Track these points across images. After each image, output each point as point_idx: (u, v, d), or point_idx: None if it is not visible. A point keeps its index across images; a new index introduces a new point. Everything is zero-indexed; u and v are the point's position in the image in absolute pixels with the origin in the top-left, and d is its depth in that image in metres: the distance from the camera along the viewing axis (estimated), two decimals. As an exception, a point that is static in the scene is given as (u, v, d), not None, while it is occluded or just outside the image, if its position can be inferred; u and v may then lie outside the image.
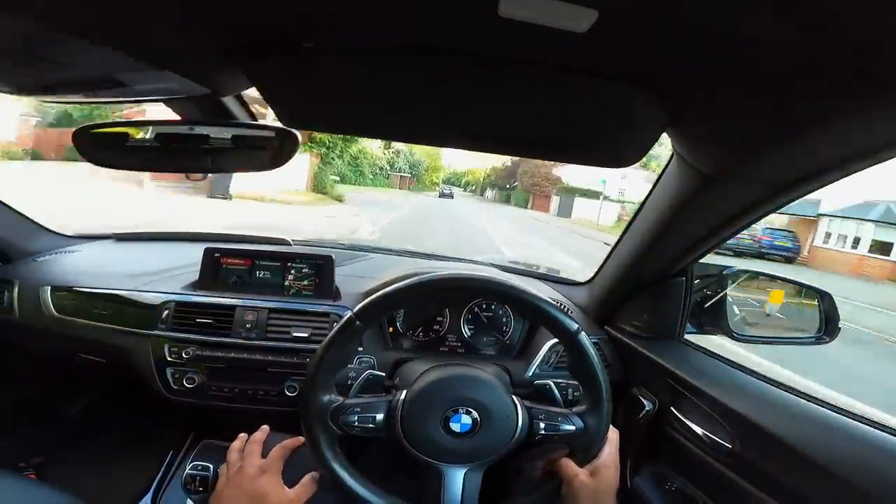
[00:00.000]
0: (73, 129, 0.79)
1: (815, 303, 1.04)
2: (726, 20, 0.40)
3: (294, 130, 0.85)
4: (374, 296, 0.78)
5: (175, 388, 1.14)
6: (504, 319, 1.26)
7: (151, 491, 1.25)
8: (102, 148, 0.83)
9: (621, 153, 0.70)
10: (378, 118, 0.73)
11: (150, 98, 0.77)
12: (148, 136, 0.86)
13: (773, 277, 1.12)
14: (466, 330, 1.24)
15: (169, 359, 1.13)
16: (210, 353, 1.13)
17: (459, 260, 1.63)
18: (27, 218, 1.41)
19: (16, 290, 1.23)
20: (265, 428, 0.88)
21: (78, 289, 1.21)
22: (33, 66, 0.59)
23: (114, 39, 0.52)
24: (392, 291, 0.77)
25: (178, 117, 0.86)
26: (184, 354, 1.13)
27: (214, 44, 0.58)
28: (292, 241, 1.51)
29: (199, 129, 0.86)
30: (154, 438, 1.44)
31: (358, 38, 0.54)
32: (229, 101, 0.86)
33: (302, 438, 0.81)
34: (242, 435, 0.87)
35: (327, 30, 0.52)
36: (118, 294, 1.19)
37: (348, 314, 0.76)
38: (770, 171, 0.68)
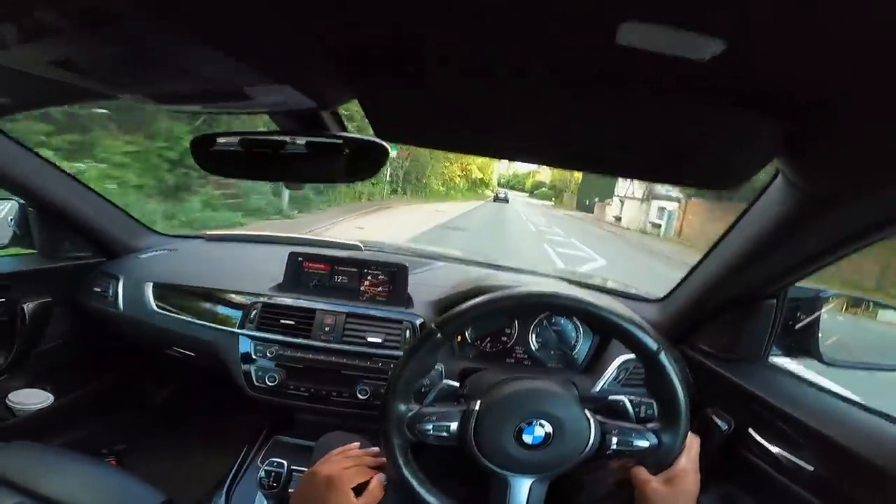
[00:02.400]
0: (193, 137, 0.87)
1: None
2: (857, 48, 0.39)
3: (386, 143, 0.89)
4: (457, 309, 0.79)
5: (257, 384, 1.20)
6: (573, 334, 1.24)
7: (227, 484, 1.32)
8: (207, 155, 0.90)
9: (726, 177, 0.67)
10: (473, 135, 0.75)
11: (261, 110, 0.83)
12: (261, 148, 0.92)
13: (872, 302, 1.05)
14: (534, 343, 1.24)
15: (254, 356, 1.20)
16: (291, 353, 1.19)
17: (526, 272, 1.63)
18: (131, 217, 1.54)
19: (120, 284, 1.35)
20: (374, 450, 0.86)
21: (176, 285, 1.31)
22: (164, 75, 0.64)
23: (242, 52, 0.56)
24: (476, 305, 0.79)
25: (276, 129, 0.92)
26: (268, 353, 1.19)
27: (329, 59, 0.62)
28: (363, 246, 1.57)
29: (300, 141, 0.91)
30: (230, 432, 1.51)
31: (467, 61, 0.56)
32: (325, 115, 0.92)
33: (383, 459, 0.83)
34: (352, 445, 0.87)
35: (438, 50, 0.54)
36: (212, 292, 1.28)
37: (431, 326, 0.78)
38: (885, 199, 0.65)
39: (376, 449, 0.85)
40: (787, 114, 0.53)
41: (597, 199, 38.40)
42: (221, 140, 0.90)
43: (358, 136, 0.92)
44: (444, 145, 0.87)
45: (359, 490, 0.77)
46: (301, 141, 0.91)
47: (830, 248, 0.80)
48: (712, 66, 0.44)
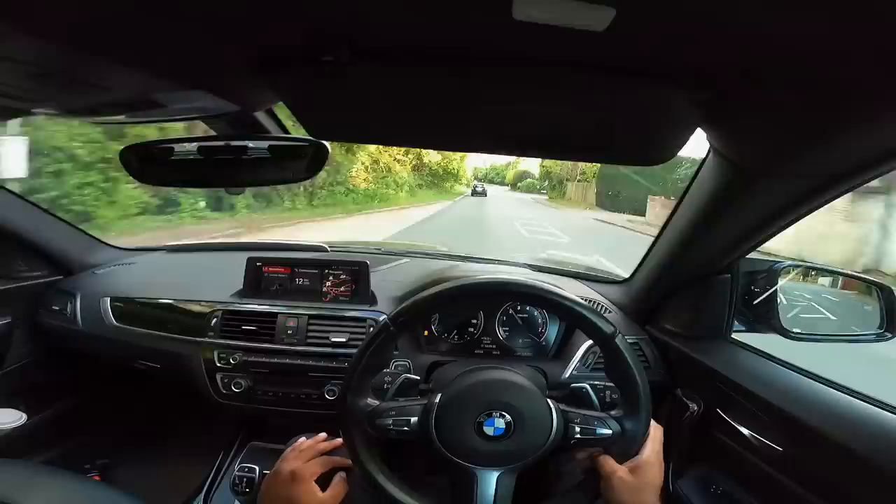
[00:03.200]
0: (121, 148, 0.84)
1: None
2: (748, 9, 0.38)
3: (322, 142, 0.87)
4: (407, 302, 0.79)
5: (224, 392, 1.19)
6: (540, 321, 1.24)
7: (203, 491, 1.31)
8: (147, 165, 0.87)
9: (654, 151, 0.67)
10: (402, 126, 0.74)
11: (186, 117, 0.80)
12: (187, 151, 0.90)
13: (826, 272, 1.05)
14: (501, 332, 1.23)
15: (218, 364, 1.18)
16: (255, 359, 1.18)
17: (493, 261, 1.62)
18: (85, 233, 1.51)
19: (78, 301, 1.32)
20: (321, 436, 0.88)
21: (135, 299, 1.29)
22: (74, 89, 0.62)
23: (145, 61, 0.55)
24: (424, 297, 0.78)
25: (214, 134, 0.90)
26: (231, 360, 1.18)
27: (240, 61, 0.60)
28: (329, 247, 1.55)
29: (234, 145, 0.89)
30: (206, 441, 1.51)
31: (378, 49, 0.54)
32: (261, 116, 0.89)
33: (338, 441, 0.84)
34: (302, 439, 0.88)
35: (346, 41, 0.53)
36: (171, 303, 1.26)
37: (384, 321, 0.78)
38: (818, 164, 0.64)
39: (323, 435, 0.88)
40: (699, 83, 0.52)
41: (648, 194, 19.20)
42: (154, 148, 0.88)
43: (295, 136, 0.90)
44: (377, 139, 0.85)
45: (325, 484, 0.79)
46: (237, 145, 0.88)
47: (769, 219, 0.79)
48: (612, 37, 0.43)
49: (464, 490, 0.77)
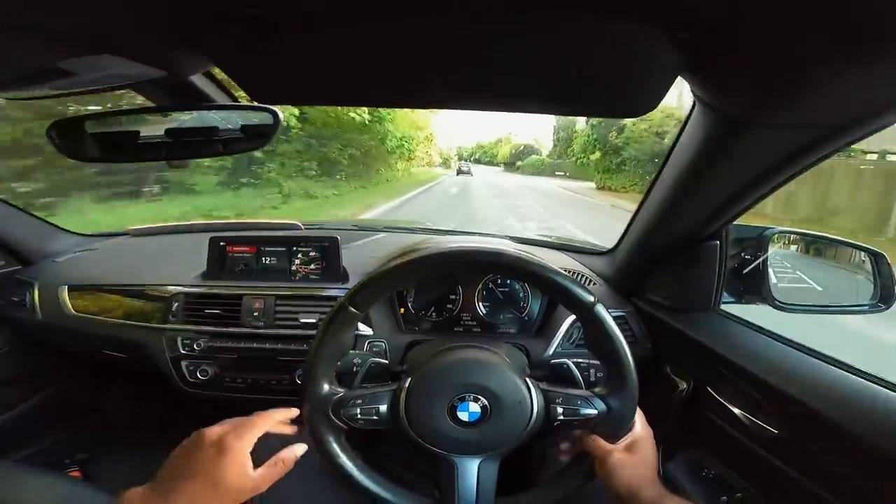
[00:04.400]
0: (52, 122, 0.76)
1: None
2: None
3: (269, 107, 0.79)
4: (365, 277, 0.72)
5: (191, 380, 1.14)
6: (521, 295, 1.18)
7: None
8: (78, 140, 0.80)
9: (632, 101, 0.60)
10: (351, 83, 0.66)
11: (111, 87, 0.72)
12: (132, 127, 0.82)
13: (819, 238, 0.98)
14: (482, 308, 1.18)
15: (183, 351, 1.13)
16: (221, 344, 1.13)
17: (473, 234, 1.56)
18: (45, 221, 1.45)
19: (36, 291, 1.26)
20: (291, 411, 0.75)
21: (92, 286, 1.23)
22: None
23: (41, 23, 0.47)
24: (383, 272, 0.71)
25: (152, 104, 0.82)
26: (195, 346, 1.13)
27: (158, 20, 0.52)
28: (302, 224, 1.48)
29: (176, 116, 0.82)
30: (184, 431, 1.47)
31: None
32: (201, 82, 0.81)
33: (294, 411, 0.76)
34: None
35: None
36: (130, 289, 1.20)
37: (340, 301, 0.71)
38: (812, 113, 0.57)
39: (295, 411, 0.76)
40: (679, 20, 0.46)
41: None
42: (87, 122, 0.80)
43: (242, 104, 0.83)
44: (324, 101, 0.78)
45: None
46: (176, 115, 0.81)
47: (760, 177, 0.72)
48: None
49: (444, 480, 0.72)
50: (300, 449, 0.69)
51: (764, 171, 0.71)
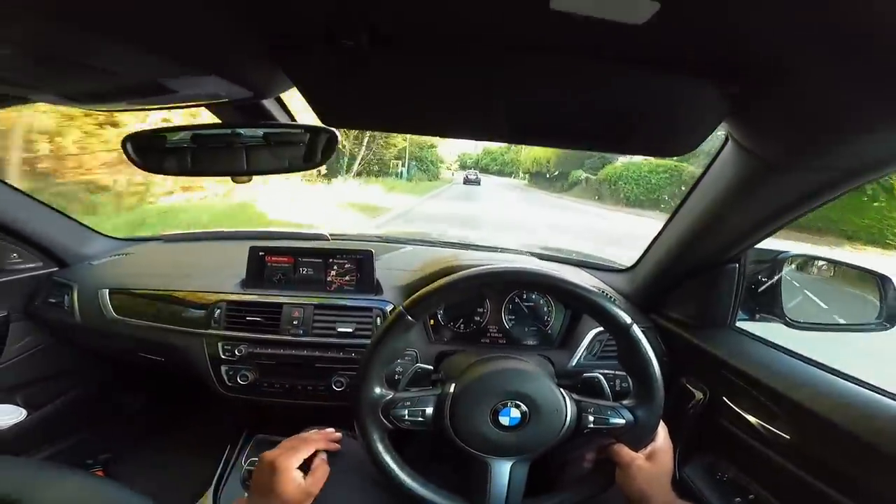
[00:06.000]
0: (125, 136, 0.82)
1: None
2: (792, 8, 0.37)
3: (334, 129, 0.85)
4: (424, 290, 0.78)
5: (229, 384, 1.17)
6: (546, 309, 1.24)
7: (213, 486, 1.30)
8: (147, 154, 0.85)
9: (677, 143, 0.67)
10: (420, 114, 0.72)
11: (194, 103, 0.78)
12: (185, 139, 0.87)
13: (831, 262, 1.06)
14: (507, 321, 1.24)
15: (223, 357, 1.17)
16: (261, 350, 1.16)
17: (496, 249, 1.62)
18: (80, 223, 1.47)
19: (75, 293, 1.29)
20: (327, 431, 0.85)
21: (134, 290, 1.26)
22: (78, 74, 0.60)
23: (157, 44, 0.53)
24: (442, 286, 0.77)
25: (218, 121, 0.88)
26: (236, 352, 1.16)
27: (256, 45, 0.58)
28: (329, 235, 1.53)
29: (242, 133, 0.87)
30: (212, 434, 1.49)
31: (403, 34, 0.53)
32: (268, 103, 0.87)
33: (334, 444, 0.83)
34: (313, 431, 0.86)
35: (369, 27, 0.51)
36: (173, 295, 1.23)
37: (399, 309, 0.77)
38: (838, 159, 0.65)
39: (331, 430, 0.85)
40: (730, 76, 0.52)
41: None
42: (158, 136, 0.86)
43: (305, 123, 0.88)
44: (391, 127, 0.84)
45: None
46: (247, 133, 0.87)
47: (783, 210, 0.80)
48: (650, 30, 0.43)
49: (478, 480, 0.77)
50: (324, 453, 0.81)
51: (786, 206, 0.79)
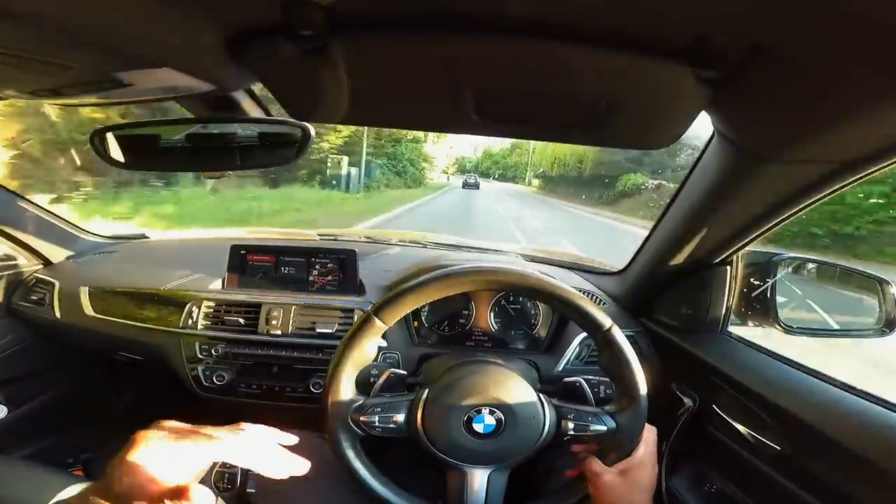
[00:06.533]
0: (91, 132, 0.80)
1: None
2: None
3: (306, 124, 0.83)
4: (392, 292, 0.75)
5: (206, 384, 1.16)
6: (533, 312, 1.21)
7: None
8: (111, 148, 0.83)
9: (655, 135, 0.64)
10: (387, 106, 0.70)
11: (157, 98, 0.76)
12: (149, 133, 0.86)
13: (827, 265, 1.02)
14: (493, 323, 1.20)
15: (200, 356, 1.15)
16: (239, 351, 1.15)
17: (485, 250, 1.59)
18: (66, 221, 1.47)
19: (56, 290, 1.28)
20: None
21: (112, 289, 1.25)
22: (35, 70, 0.58)
23: (109, 38, 0.51)
24: (411, 287, 0.75)
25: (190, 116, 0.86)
26: (213, 352, 1.14)
27: (213, 38, 0.56)
28: (318, 235, 1.51)
29: (213, 128, 0.85)
30: None
31: (363, 19, 0.50)
32: (240, 97, 0.85)
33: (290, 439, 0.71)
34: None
35: (329, 12, 0.49)
36: (151, 293, 1.22)
37: (366, 313, 0.74)
38: (829, 150, 0.61)
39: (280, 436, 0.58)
40: (708, 59, 0.49)
41: None
42: (126, 132, 0.84)
43: (275, 118, 0.86)
44: (361, 121, 0.81)
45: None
46: (214, 128, 0.85)
47: (775, 208, 0.76)
48: (621, 11, 0.41)
49: (454, 489, 0.75)
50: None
51: (778, 203, 0.75)
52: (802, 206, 0.73)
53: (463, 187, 33.47)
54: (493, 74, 0.57)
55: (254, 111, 0.89)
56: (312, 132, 0.85)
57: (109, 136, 0.82)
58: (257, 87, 0.84)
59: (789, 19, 0.40)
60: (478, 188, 34.22)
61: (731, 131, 0.67)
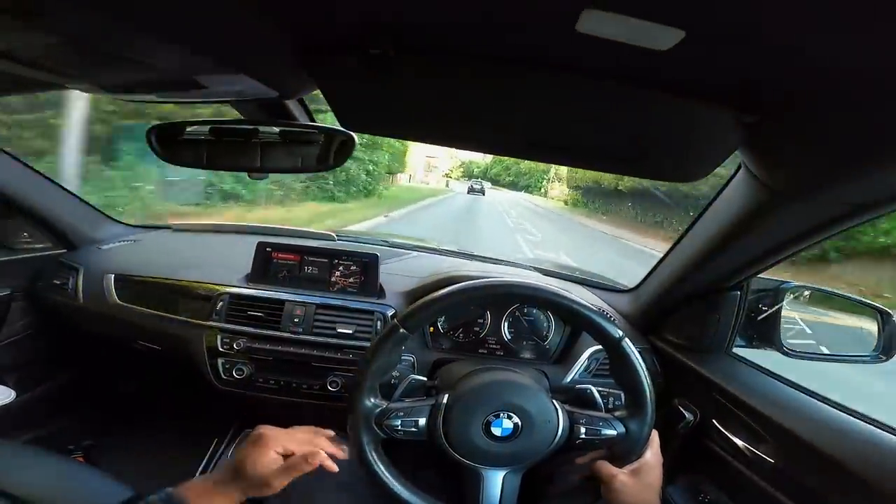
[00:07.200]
0: (150, 126, 0.83)
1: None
2: (813, 42, 0.39)
3: (351, 133, 0.87)
4: (418, 302, 0.79)
5: (225, 378, 1.18)
6: (545, 325, 1.25)
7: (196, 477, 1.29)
8: (168, 145, 0.86)
9: (689, 169, 0.69)
10: (437, 124, 0.74)
11: (220, 100, 0.80)
12: (203, 132, 0.89)
13: (832, 294, 1.08)
14: (507, 333, 1.25)
15: (221, 349, 1.17)
16: (259, 346, 1.17)
17: (500, 262, 1.63)
18: (92, 207, 1.48)
19: (80, 276, 1.30)
20: (327, 432, 0.77)
21: (139, 277, 1.27)
22: (117, 66, 0.61)
23: (193, 41, 0.54)
24: (437, 298, 0.79)
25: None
26: (235, 346, 1.17)
27: (287, 47, 0.60)
28: (336, 235, 1.55)
29: (261, 129, 0.88)
30: (200, 427, 1.49)
31: (430, 45, 0.54)
32: (290, 103, 0.89)
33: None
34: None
35: (399, 36, 0.53)
36: (177, 284, 1.24)
37: (393, 322, 0.78)
38: (851, 192, 0.66)
39: (331, 433, 0.77)
40: (749, 106, 0.53)
41: None
42: (183, 129, 0.87)
43: (323, 125, 0.90)
44: (409, 135, 0.86)
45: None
46: (266, 130, 0.88)
47: (791, 241, 0.81)
48: (673, 57, 0.44)
49: (470, 490, 0.78)
50: (321, 458, 0.70)
51: (794, 237, 0.80)
52: (818, 239, 0.79)
53: (468, 193, 31.55)
54: (544, 106, 0.61)
55: (300, 116, 0.93)
56: (357, 141, 0.89)
57: (163, 133, 0.86)
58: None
59: (827, 70, 0.44)
60: (483, 194, 32.18)
61: (758, 169, 0.72)
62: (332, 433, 0.78)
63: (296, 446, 0.69)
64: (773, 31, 0.39)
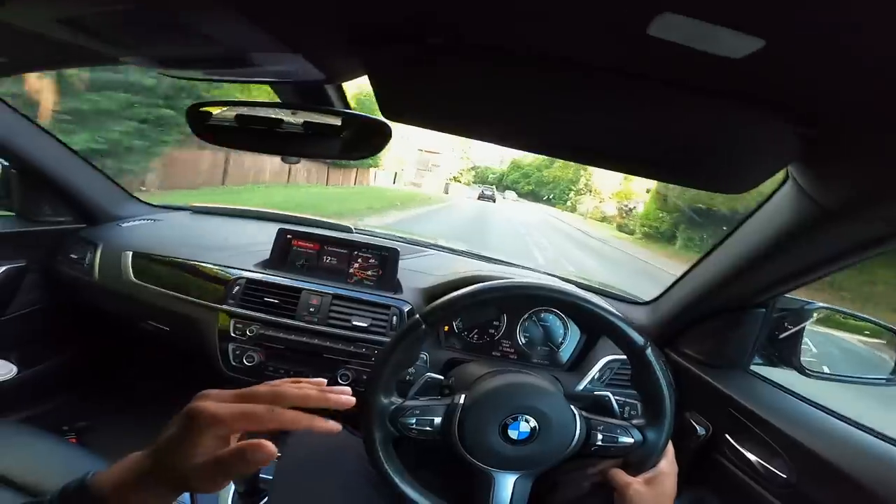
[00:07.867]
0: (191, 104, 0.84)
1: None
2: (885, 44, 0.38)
3: (388, 122, 0.87)
4: (441, 300, 0.78)
5: (234, 364, 1.16)
6: (561, 331, 1.25)
7: None
8: (211, 124, 0.87)
9: (737, 180, 0.67)
10: (484, 120, 0.74)
11: (264, 80, 0.80)
12: (244, 113, 0.89)
13: (854, 316, 1.08)
14: (521, 337, 1.24)
15: (233, 335, 1.16)
16: (272, 333, 1.16)
17: (518, 266, 1.63)
18: (115, 184, 1.48)
19: (98, 252, 1.30)
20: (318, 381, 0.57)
21: (157, 256, 1.26)
22: (175, 39, 0.61)
23: (259, 17, 0.54)
24: (462, 295, 0.78)
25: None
26: (248, 332, 1.15)
27: (344, 30, 0.60)
28: (354, 229, 1.55)
29: (300, 113, 0.89)
30: None
31: (490, 40, 0.54)
32: (330, 89, 0.89)
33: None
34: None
35: (459, 28, 0.52)
36: (194, 265, 1.24)
37: (415, 317, 0.77)
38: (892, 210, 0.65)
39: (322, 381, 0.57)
40: (811, 119, 0.52)
41: None
42: (221, 109, 0.87)
43: (361, 113, 0.90)
44: (454, 129, 0.85)
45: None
46: (303, 115, 0.88)
47: (828, 260, 0.80)
48: (744, 66, 0.43)
49: (478, 492, 0.77)
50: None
51: (835, 256, 0.79)
52: (855, 260, 0.77)
53: (478, 199, 32.67)
54: (597, 109, 0.60)
55: (336, 102, 0.93)
56: (392, 130, 0.89)
57: (204, 112, 0.86)
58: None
59: (888, 86, 0.44)
60: (494, 201, 33.69)
61: (810, 184, 0.70)
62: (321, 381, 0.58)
63: (253, 423, 0.46)
64: (855, 44, 0.38)
